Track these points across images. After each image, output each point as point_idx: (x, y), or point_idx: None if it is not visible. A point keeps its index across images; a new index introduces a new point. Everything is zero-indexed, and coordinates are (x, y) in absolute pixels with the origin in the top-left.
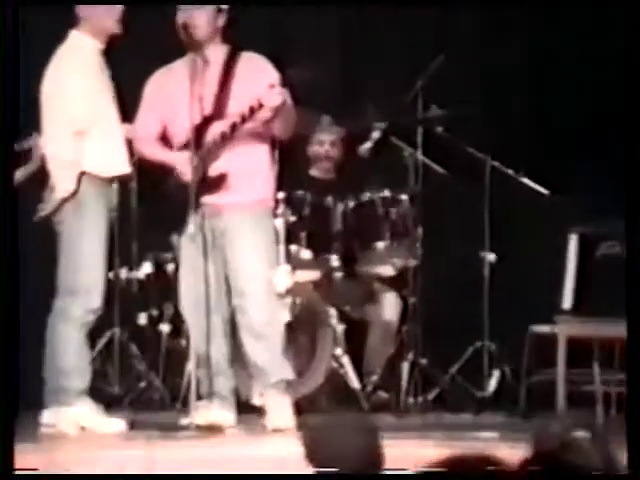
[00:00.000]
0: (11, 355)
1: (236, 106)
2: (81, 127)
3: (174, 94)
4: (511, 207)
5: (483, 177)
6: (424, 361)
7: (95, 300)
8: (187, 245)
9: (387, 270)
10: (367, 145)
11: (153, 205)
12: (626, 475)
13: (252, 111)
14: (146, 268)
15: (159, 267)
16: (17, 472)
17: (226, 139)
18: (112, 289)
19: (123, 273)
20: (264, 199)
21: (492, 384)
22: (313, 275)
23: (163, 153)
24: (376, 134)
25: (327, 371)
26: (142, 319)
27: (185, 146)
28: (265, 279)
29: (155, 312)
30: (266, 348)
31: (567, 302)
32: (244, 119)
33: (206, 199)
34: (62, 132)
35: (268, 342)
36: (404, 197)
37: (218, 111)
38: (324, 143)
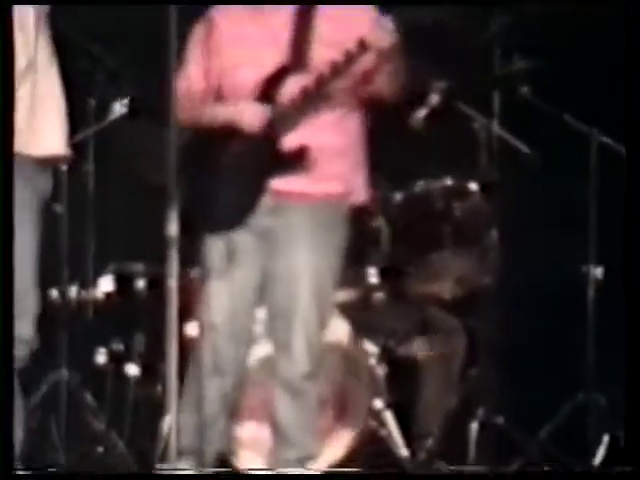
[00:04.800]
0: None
1: (323, 53)
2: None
3: (233, 36)
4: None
5: (587, 159)
6: (501, 420)
7: (24, 327)
8: (242, 244)
9: (449, 289)
10: (421, 113)
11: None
12: (627, 472)
13: (350, 57)
14: (106, 285)
15: (125, 283)
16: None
17: (310, 98)
18: (56, 314)
19: (72, 292)
20: (351, 191)
21: (600, 454)
22: (343, 295)
23: (225, 109)
24: (434, 98)
25: (362, 431)
26: (100, 357)
27: None
28: (321, 313)
29: (119, 347)
30: (300, 409)
31: None
32: (337, 69)
33: (274, 182)
34: None
35: (303, 399)
36: (474, 187)
37: (296, 59)
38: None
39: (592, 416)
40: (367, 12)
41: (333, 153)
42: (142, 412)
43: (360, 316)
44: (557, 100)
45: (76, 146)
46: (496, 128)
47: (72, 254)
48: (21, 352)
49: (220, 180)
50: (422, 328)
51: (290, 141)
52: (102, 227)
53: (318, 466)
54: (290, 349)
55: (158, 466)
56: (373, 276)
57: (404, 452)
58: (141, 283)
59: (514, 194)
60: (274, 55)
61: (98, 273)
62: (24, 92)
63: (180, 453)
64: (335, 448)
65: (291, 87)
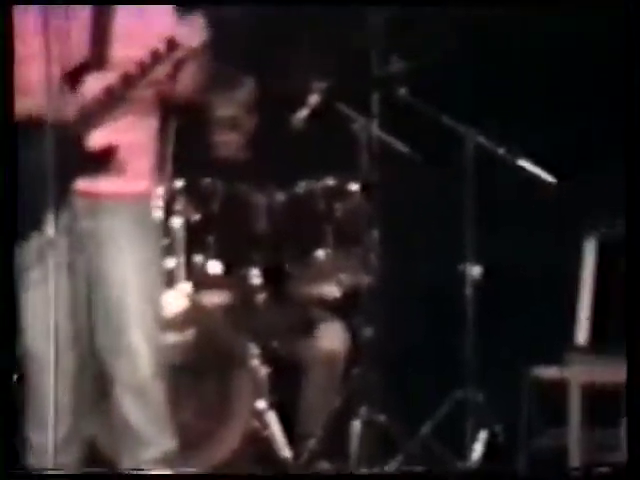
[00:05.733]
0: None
1: (125, 49)
2: None
3: (24, 27)
4: (504, 201)
5: (464, 159)
6: (383, 418)
7: None
8: (40, 254)
9: (330, 290)
10: (302, 113)
11: None
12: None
13: (158, 56)
14: None
15: None
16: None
17: (115, 97)
18: None
19: None
20: (149, 189)
21: (478, 450)
22: (225, 296)
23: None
24: (314, 98)
25: (245, 432)
26: None
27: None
28: (152, 306)
29: None
30: (146, 406)
31: (582, 335)
32: (144, 68)
33: (80, 184)
34: None
35: (149, 398)
36: (354, 187)
37: (95, 55)
38: (236, 107)
39: (471, 412)
40: (167, 6)
41: (138, 151)
42: None
43: (242, 317)
44: (435, 101)
45: None
46: (376, 129)
47: None
48: None
49: (23, 177)
50: (305, 328)
51: (95, 140)
52: None
53: (201, 466)
54: (130, 352)
55: None
56: (255, 277)
57: (287, 453)
58: None
59: (394, 195)
60: (69, 50)
61: None
62: None
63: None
64: (220, 446)
65: (92, 85)
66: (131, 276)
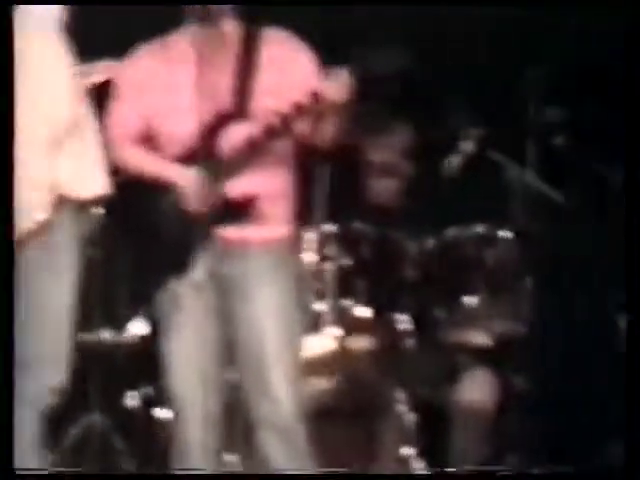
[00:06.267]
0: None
1: (265, 100)
2: (58, 135)
3: (167, 78)
4: None
5: (619, 207)
6: (536, 470)
7: (55, 374)
8: (188, 297)
9: (481, 338)
10: (455, 160)
11: (139, 239)
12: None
13: (300, 109)
14: (138, 328)
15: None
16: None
17: (255, 147)
18: (88, 357)
19: (105, 335)
20: (291, 234)
21: None
22: (373, 341)
23: (157, 164)
24: (468, 145)
25: None
26: (131, 400)
27: (185, 157)
28: (292, 350)
29: (150, 390)
30: (291, 448)
31: None
32: (286, 119)
33: (222, 232)
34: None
35: (294, 440)
36: (507, 235)
37: (238, 107)
38: (392, 152)
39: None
40: (311, 60)
41: (275, 197)
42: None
43: (390, 362)
44: (593, 151)
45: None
46: (530, 177)
47: (104, 298)
48: (51, 399)
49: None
50: (452, 376)
51: (233, 189)
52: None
53: None
54: (272, 393)
55: None
56: (404, 322)
57: None
58: None
59: (548, 243)
60: (210, 102)
61: (127, 318)
62: (72, 142)
63: None
64: None
65: (234, 136)
66: (271, 320)
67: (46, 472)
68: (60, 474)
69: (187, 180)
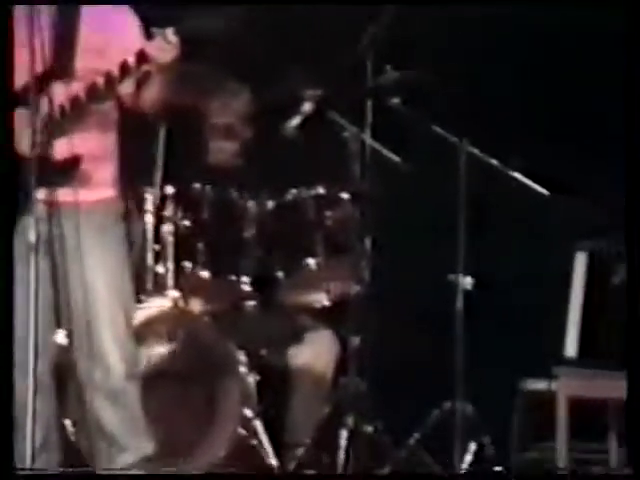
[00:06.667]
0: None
1: (90, 60)
2: None
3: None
4: (495, 212)
5: (456, 169)
6: (370, 428)
7: None
8: (19, 259)
9: (320, 298)
10: (294, 122)
11: None
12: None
13: (127, 69)
14: None
15: None
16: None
17: (81, 107)
18: None
19: None
20: (115, 197)
21: (467, 461)
22: (214, 304)
23: None
24: (307, 106)
25: (232, 440)
26: None
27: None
28: (123, 312)
29: None
30: (121, 411)
31: (571, 348)
32: (111, 80)
33: (47, 194)
34: None
35: (124, 403)
36: (345, 196)
37: (61, 65)
38: (228, 115)
39: (459, 424)
40: (134, 20)
41: (100, 159)
42: None
43: (231, 325)
44: (427, 111)
45: None
46: (368, 138)
47: None
48: None
49: None
50: (293, 337)
51: (58, 150)
52: None
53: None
54: (102, 356)
55: None
56: (245, 284)
57: (274, 460)
58: None
59: (385, 204)
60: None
61: None
62: None
63: None
64: (206, 453)
65: (57, 94)
66: (100, 282)
67: (46, 472)
68: (60, 474)
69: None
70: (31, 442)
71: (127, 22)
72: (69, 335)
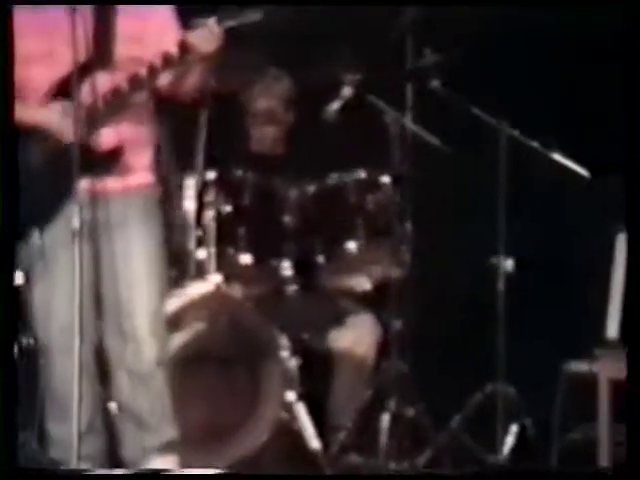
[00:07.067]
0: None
1: (129, 48)
2: None
3: (26, 29)
4: (536, 194)
5: (495, 152)
6: (412, 411)
7: None
8: (56, 247)
9: (361, 283)
10: (334, 106)
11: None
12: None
13: (169, 59)
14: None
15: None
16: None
17: (122, 97)
18: None
19: None
20: (154, 183)
21: (509, 444)
22: (256, 289)
23: (29, 112)
24: (347, 91)
25: (274, 424)
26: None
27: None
28: (161, 296)
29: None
30: (150, 395)
31: (612, 330)
32: (153, 70)
33: (89, 182)
34: None
35: (153, 387)
36: (386, 179)
37: (100, 55)
38: (269, 101)
39: (501, 406)
40: (171, 9)
41: (139, 145)
42: None
43: (272, 309)
44: (468, 93)
45: None
46: (409, 122)
47: None
48: None
49: (30, 185)
50: (335, 321)
51: (100, 139)
52: None
53: (230, 458)
54: (135, 338)
55: None
56: (286, 269)
57: (316, 444)
58: None
59: (426, 188)
60: (70, 51)
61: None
62: None
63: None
64: (249, 437)
65: (97, 84)
66: (139, 267)
67: (46, 471)
68: (60, 473)
69: (53, 119)
70: (77, 426)
71: (161, 8)
72: (106, 319)
